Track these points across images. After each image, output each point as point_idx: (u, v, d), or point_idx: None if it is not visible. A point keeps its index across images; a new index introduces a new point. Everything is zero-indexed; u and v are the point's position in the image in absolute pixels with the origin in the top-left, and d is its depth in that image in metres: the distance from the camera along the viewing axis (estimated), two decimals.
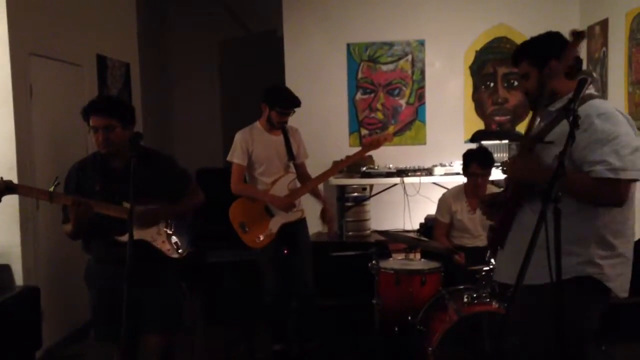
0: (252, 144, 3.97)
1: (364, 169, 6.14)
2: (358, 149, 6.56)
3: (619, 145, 2.11)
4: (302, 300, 4.19)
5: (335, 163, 4.27)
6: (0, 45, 3.97)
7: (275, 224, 3.98)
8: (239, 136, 4.01)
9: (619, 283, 2.25)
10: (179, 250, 2.99)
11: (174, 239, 2.98)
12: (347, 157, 4.25)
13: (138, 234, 2.78)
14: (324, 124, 6.67)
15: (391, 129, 6.81)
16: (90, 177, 2.87)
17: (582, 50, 6.20)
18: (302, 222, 4.15)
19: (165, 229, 2.96)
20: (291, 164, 4.09)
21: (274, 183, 4.00)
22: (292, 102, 3.95)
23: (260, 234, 3.96)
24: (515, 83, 6.74)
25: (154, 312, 2.91)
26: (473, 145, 6.01)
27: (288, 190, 4.01)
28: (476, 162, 4.08)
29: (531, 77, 2.33)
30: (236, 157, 3.97)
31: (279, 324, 4.16)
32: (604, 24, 5.66)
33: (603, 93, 5.63)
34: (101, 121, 2.78)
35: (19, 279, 4.01)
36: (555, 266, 1.80)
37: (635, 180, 2.16)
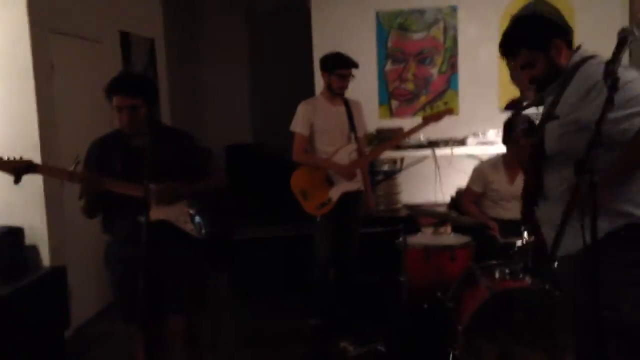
0: (313, 114, 4.04)
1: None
2: (388, 120, 6.54)
3: None
4: (341, 272, 4.20)
5: (398, 136, 4.37)
6: (20, 23, 3.93)
7: (335, 193, 4.03)
8: (301, 107, 4.10)
9: None
10: (202, 231, 2.92)
11: (197, 219, 2.91)
12: (408, 130, 4.33)
13: (161, 214, 2.73)
14: (352, 96, 6.49)
15: (423, 100, 6.61)
16: (111, 155, 2.80)
17: (624, 12, 5.87)
18: (359, 194, 4.20)
19: (187, 209, 2.89)
20: (352, 136, 4.12)
21: (334, 153, 4.04)
22: (349, 62, 4.01)
23: (320, 202, 4.00)
24: None
25: (178, 293, 2.85)
26: (508, 114, 5.81)
27: (349, 160, 4.06)
28: (523, 133, 3.92)
29: (538, 62, 2.28)
30: (299, 127, 4.05)
31: (322, 297, 4.14)
32: None
33: None
34: (125, 101, 2.68)
35: (46, 259, 4.02)
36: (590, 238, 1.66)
37: None
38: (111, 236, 2.91)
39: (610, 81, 1.78)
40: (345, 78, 4.01)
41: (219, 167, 3.08)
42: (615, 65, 1.82)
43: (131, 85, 2.76)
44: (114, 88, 2.73)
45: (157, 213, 2.72)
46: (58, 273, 3.96)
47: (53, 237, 4.08)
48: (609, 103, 1.77)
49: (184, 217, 2.86)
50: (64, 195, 4.22)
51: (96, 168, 2.77)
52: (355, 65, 4.04)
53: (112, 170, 2.75)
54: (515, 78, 2.44)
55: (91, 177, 2.67)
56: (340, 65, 3.99)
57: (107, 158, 2.80)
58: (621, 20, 5.97)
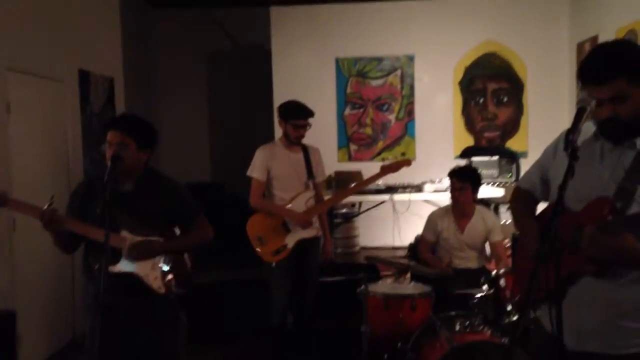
0: (271, 160, 4.03)
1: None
2: (346, 164, 6.63)
3: None
4: (299, 319, 4.17)
5: (355, 185, 4.37)
6: None
7: (291, 240, 4.01)
8: (259, 152, 4.10)
9: None
10: (173, 290, 2.76)
11: (170, 276, 2.75)
12: (366, 179, 4.33)
13: (130, 267, 2.63)
14: (312, 139, 6.47)
15: (380, 145, 6.74)
16: (95, 198, 2.68)
17: (572, 69, 6.16)
18: (316, 241, 4.17)
19: (160, 265, 2.74)
20: (310, 183, 4.13)
21: (292, 200, 4.04)
22: (304, 113, 4.03)
23: (276, 249, 3.97)
24: (505, 99, 6.69)
25: (147, 350, 2.75)
26: (463, 162, 5.97)
27: (306, 207, 4.05)
28: (454, 177, 4.08)
29: (631, 98, 1.86)
30: (256, 172, 4.05)
31: (279, 344, 4.09)
32: (594, 41, 5.62)
33: None
34: (116, 137, 2.65)
35: None
36: None
37: None
38: (89, 280, 2.79)
39: (570, 150, 1.84)
40: (301, 128, 4.03)
41: (206, 223, 2.98)
42: (575, 135, 1.88)
43: (124, 123, 2.74)
44: (109, 123, 2.74)
45: (127, 266, 2.65)
46: (6, 318, 3.79)
47: (1, 281, 3.92)
48: (569, 172, 1.83)
49: (154, 272, 2.74)
50: (14, 238, 4.09)
51: (79, 210, 2.70)
52: (311, 115, 4.05)
53: (91, 213, 2.66)
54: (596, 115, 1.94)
55: (46, 211, 2.57)
56: (295, 116, 4.00)
57: (91, 200, 2.70)
58: (570, 75, 6.27)
